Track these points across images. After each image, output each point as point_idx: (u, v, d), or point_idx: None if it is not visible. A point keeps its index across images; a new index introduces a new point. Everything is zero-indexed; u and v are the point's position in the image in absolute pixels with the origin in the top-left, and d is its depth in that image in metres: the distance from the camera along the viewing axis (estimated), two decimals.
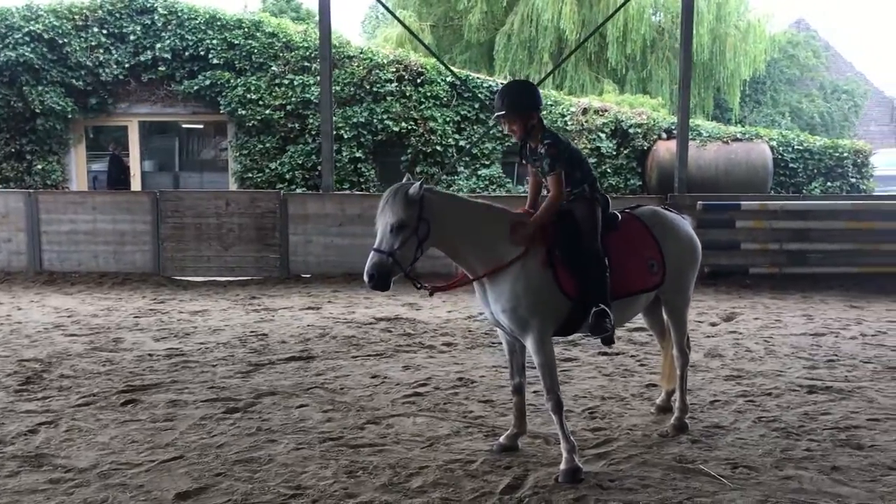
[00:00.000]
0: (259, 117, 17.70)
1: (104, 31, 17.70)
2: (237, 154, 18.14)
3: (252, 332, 8.76)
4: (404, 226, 4.47)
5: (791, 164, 18.43)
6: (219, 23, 17.84)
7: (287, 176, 17.73)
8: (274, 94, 17.73)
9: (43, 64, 17.40)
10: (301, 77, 17.78)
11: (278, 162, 17.83)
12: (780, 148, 18.36)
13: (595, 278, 4.75)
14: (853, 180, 18.60)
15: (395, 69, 17.98)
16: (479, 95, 17.44)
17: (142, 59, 17.78)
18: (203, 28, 17.78)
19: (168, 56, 17.73)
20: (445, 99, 18.01)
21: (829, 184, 18.46)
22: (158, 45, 17.67)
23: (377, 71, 17.88)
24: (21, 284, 11.93)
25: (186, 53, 17.78)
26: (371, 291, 5.04)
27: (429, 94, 17.94)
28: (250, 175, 17.89)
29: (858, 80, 35.27)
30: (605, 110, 18.31)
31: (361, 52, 18.32)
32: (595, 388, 6.49)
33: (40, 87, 17.39)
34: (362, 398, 6.22)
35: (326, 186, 12.97)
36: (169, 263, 12.59)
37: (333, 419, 5.68)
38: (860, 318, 9.64)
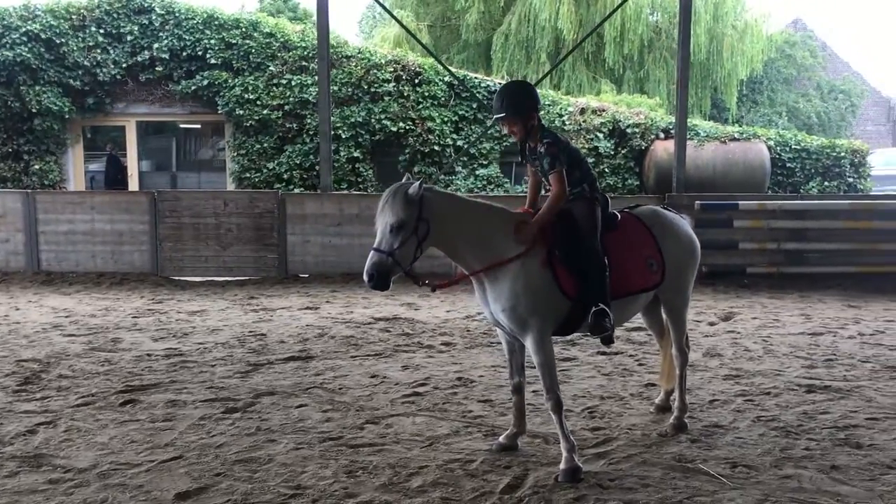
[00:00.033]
0: (257, 117, 17.71)
1: (101, 31, 17.69)
2: (235, 154, 18.14)
3: (250, 332, 8.76)
4: (404, 225, 4.47)
5: (788, 164, 18.46)
6: (216, 23, 17.85)
7: (285, 176, 17.73)
8: (272, 93, 17.74)
9: (40, 64, 17.39)
10: (299, 77, 17.78)
11: (276, 162, 17.83)
12: (778, 148, 18.39)
13: (595, 278, 4.75)
14: (850, 180, 18.62)
15: (392, 69, 17.99)
16: (477, 95, 17.44)
17: (139, 59, 17.78)
18: (201, 28, 17.78)
19: (166, 56, 17.73)
20: (443, 99, 18.03)
21: (826, 183, 18.49)
22: (156, 45, 17.68)
23: (375, 71, 17.89)
24: (19, 284, 11.91)
25: (184, 53, 17.78)
26: (370, 291, 5.03)
27: (427, 94, 17.95)
28: (248, 175, 17.89)
29: (855, 80, 35.37)
30: (603, 110, 18.33)
31: (359, 52, 18.33)
32: (594, 388, 6.50)
33: (37, 87, 17.38)
34: (361, 398, 6.21)
35: (325, 186, 12.98)
36: (167, 263, 12.58)
37: (333, 419, 5.68)
38: (858, 318, 9.66)
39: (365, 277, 4.49)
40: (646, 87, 26.36)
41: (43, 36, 17.36)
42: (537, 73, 24.61)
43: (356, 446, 5.11)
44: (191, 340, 8.32)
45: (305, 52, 17.82)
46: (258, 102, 17.71)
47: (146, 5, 17.76)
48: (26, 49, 17.21)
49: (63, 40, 17.47)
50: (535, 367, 4.79)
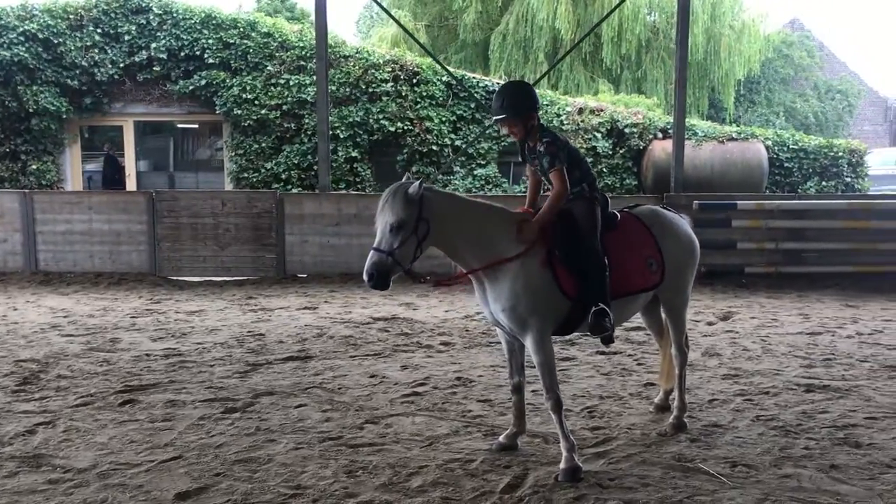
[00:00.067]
0: (255, 117, 17.70)
1: (99, 31, 17.66)
2: (233, 154, 18.13)
3: (249, 332, 8.75)
4: (404, 225, 4.47)
5: (786, 164, 18.48)
6: (214, 22, 17.83)
7: (283, 176, 17.72)
8: (270, 93, 17.72)
9: (38, 64, 17.36)
10: (297, 77, 17.77)
11: (274, 162, 17.82)
12: (776, 147, 18.41)
13: (594, 277, 4.76)
14: (848, 180, 18.65)
15: (390, 69, 17.98)
16: (475, 95, 17.44)
17: (137, 58, 17.76)
18: (198, 28, 17.76)
19: (163, 56, 17.71)
20: (441, 99, 18.03)
21: (824, 183, 18.51)
22: (154, 45, 17.65)
23: (373, 71, 17.88)
24: (17, 285, 11.90)
25: (182, 53, 17.76)
26: (370, 290, 5.03)
27: (425, 93, 17.95)
28: (246, 175, 17.88)
29: (852, 80, 35.43)
30: (601, 110, 18.33)
31: (357, 52, 18.33)
32: (593, 388, 6.50)
33: (35, 87, 17.35)
34: (361, 398, 6.21)
35: (323, 186, 12.97)
36: (165, 263, 12.57)
37: (332, 419, 5.68)
38: (856, 317, 9.67)
39: (365, 277, 4.48)
40: (643, 87, 26.39)
41: (40, 36, 17.33)
42: (535, 73, 24.62)
43: (356, 446, 5.11)
44: (189, 340, 8.32)
45: (303, 52, 17.80)
46: (256, 102, 17.70)
47: (144, 5, 17.74)
48: (24, 49, 17.18)
49: (60, 40, 17.45)
50: (534, 367, 4.80)
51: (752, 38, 27.50)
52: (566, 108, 18.20)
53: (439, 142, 17.81)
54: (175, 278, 12.45)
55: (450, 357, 7.61)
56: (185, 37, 17.71)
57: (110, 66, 17.68)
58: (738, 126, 21.46)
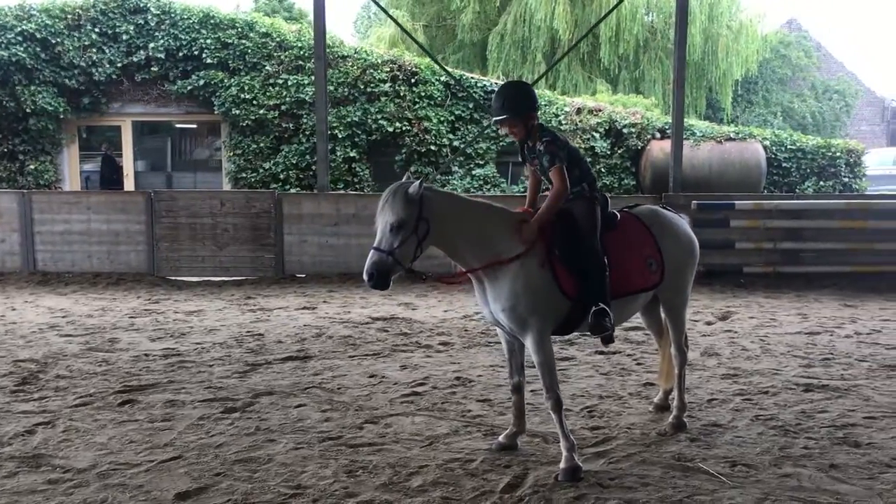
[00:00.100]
0: (253, 117, 17.68)
1: (97, 31, 17.63)
2: (231, 154, 18.11)
3: (248, 332, 8.75)
4: (404, 224, 4.47)
5: (784, 164, 18.50)
6: (212, 22, 17.82)
7: (281, 176, 17.71)
8: (268, 93, 17.71)
9: (35, 63, 17.33)
10: (295, 77, 17.76)
11: (272, 162, 17.81)
12: (774, 147, 18.43)
13: (594, 277, 4.76)
14: (846, 180, 18.68)
15: (389, 69, 17.98)
16: (474, 95, 17.44)
17: (135, 58, 17.73)
18: (196, 28, 17.74)
19: (161, 56, 17.69)
20: (440, 99, 18.02)
21: (821, 183, 18.53)
22: (152, 45, 17.63)
23: (371, 71, 17.88)
24: (14, 285, 11.88)
25: (180, 53, 17.74)
26: (370, 290, 5.03)
27: (423, 93, 17.94)
28: (244, 175, 17.87)
29: (850, 80, 35.47)
30: (599, 110, 18.34)
31: (355, 52, 18.32)
32: (593, 387, 6.51)
33: (33, 87, 17.32)
34: (360, 398, 6.21)
35: (321, 186, 12.97)
36: (163, 263, 12.56)
37: (332, 419, 5.68)
38: (854, 317, 9.68)
39: (365, 276, 4.48)
40: (641, 87, 26.41)
41: (38, 35, 17.30)
42: (533, 73, 24.63)
43: (356, 446, 5.11)
44: (188, 340, 8.31)
45: (301, 52, 17.80)
46: (254, 102, 17.68)
47: (142, 5, 17.72)
48: (21, 49, 17.15)
49: (58, 40, 17.42)
50: (534, 367, 4.80)
51: (750, 39, 27.53)
52: (564, 108, 18.21)
53: (438, 142, 17.81)
54: (173, 278, 12.44)
55: (449, 357, 7.61)
56: (183, 37, 17.69)
57: (108, 65, 17.66)
58: (735, 126, 21.48)
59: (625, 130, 18.02)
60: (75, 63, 17.51)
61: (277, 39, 17.98)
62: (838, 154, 18.70)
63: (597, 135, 17.99)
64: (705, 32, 26.22)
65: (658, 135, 17.95)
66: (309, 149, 17.35)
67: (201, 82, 17.73)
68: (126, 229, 12.57)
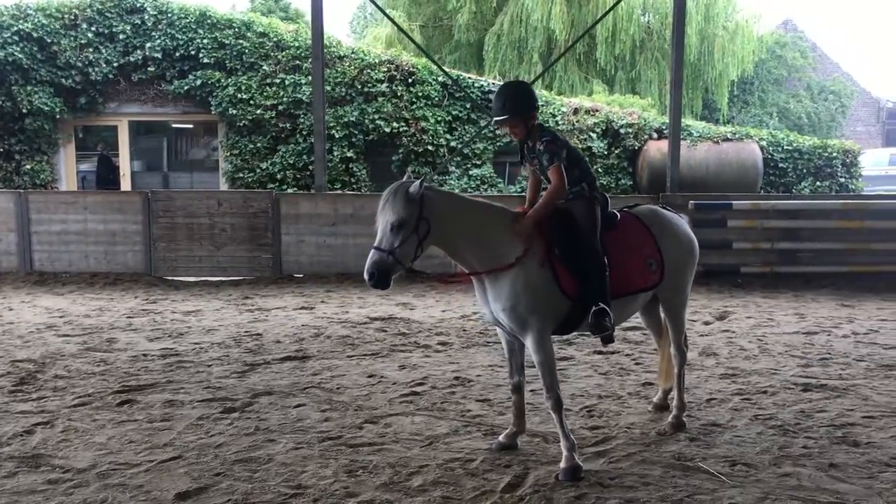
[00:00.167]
0: (250, 117, 17.65)
1: (93, 31, 17.58)
2: (228, 154, 18.08)
3: (246, 332, 8.74)
4: (404, 224, 4.47)
5: (781, 164, 18.53)
6: (209, 22, 17.78)
7: (278, 176, 17.68)
8: (265, 93, 17.68)
9: (32, 63, 17.28)
10: (292, 77, 17.74)
11: (269, 162, 17.78)
12: (770, 148, 18.47)
13: (595, 277, 4.77)
14: (842, 180, 18.72)
15: (386, 69, 17.96)
16: (471, 95, 17.43)
17: (132, 58, 17.68)
18: (193, 27, 17.70)
19: (158, 55, 17.65)
20: (437, 99, 18.01)
21: (818, 183, 18.57)
22: (148, 45, 17.59)
23: (368, 71, 17.86)
24: (11, 285, 11.85)
25: (177, 53, 17.70)
26: (370, 290, 5.03)
27: (420, 94, 17.93)
28: (241, 175, 17.84)
29: (845, 81, 35.53)
30: (597, 110, 18.35)
31: (353, 52, 18.30)
32: (592, 387, 6.51)
33: (29, 87, 17.26)
34: (359, 397, 6.21)
35: (319, 186, 12.96)
36: (161, 263, 12.54)
37: (331, 419, 5.67)
38: (852, 317, 9.71)
39: (365, 276, 4.48)
40: (637, 88, 26.41)
41: (35, 35, 17.25)
42: (530, 74, 24.64)
43: (356, 446, 5.11)
44: (186, 340, 8.30)
45: (299, 52, 17.78)
46: (251, 102, 17.65)
47: (138, 4, 17.67)
48: (18, 49, 17.10)
49: (55, 40, 17.37)
50: (534, 367, 4.80)
51: (746, 39, 27.57)
52: (561, 108, 18.21)
53: (435, 142, 17.79)
54: (171, 278, 12.43)
55: (448, 357, 7.61)
56: (180, 36, 17.65)
57: (105, 65, 17.61)
58: (732, 126, 21.50)
59: (622, 131, 18.04)
60: (72, 63, 17.46)
61: (274, 39, 17.96)
62: (835, 154, 18.74)
63: (594, 135, 17.99)
64: (701, 33, 26.23)
65: (655, 135, 17.97)
66: (306, 149, 17.33)
67: (198, 82, 17.70)
68: (123, 229, 12.55)
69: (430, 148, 17.77)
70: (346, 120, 17.58)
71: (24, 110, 17.25)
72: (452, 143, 17.84)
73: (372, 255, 4.48)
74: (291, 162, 17.70)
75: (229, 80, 17.67)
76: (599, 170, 17.81)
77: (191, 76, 17.72)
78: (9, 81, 17.20)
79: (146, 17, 17.64)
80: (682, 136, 15.00)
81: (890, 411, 5.85)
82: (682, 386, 5.51)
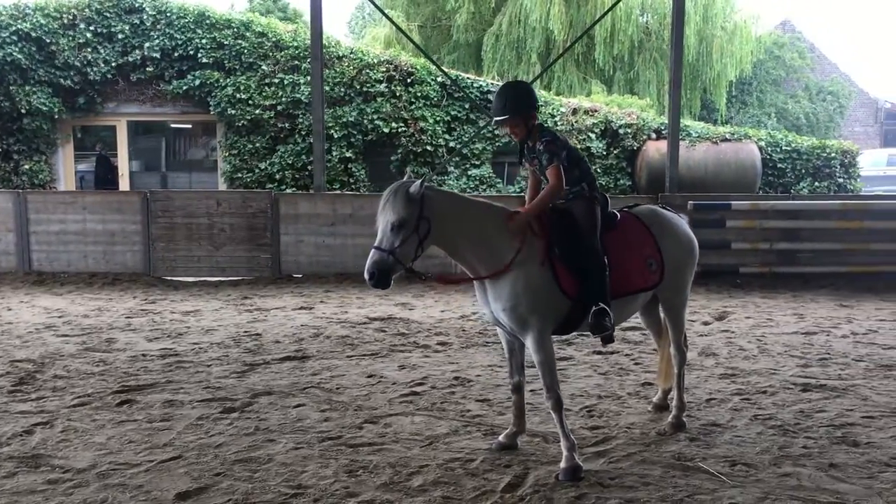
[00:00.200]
0: (249, 117, 17.63)
1: (92, 30, 17.55)
2: (227, 154, 18.06)
3: (245, 332, 8.73)
4: (405, 224, 4.47)
5: (779, 165, 18.54)
6: (208, 22, 17.76)
7: (277, 176, 17.67)
8: (264, 93, 17.66)
9: (30, 63, 17.26)
10: (291, 77, 17.73)
11: (268, 162, 17.76)
12: (769, 148, 18.48)
13: (595, 277, 4.77)
14: (841, 180, 18.73)
15: (385, 69, 17.95)
16: (470, 96, 17.43)
17: (130, 58, 17.65)
18: (192, 27, 17.68)
19: (157, 55, 17.62)
20: (436, 99, 18.00)
21: (816, 184, 18.58)
22: (147, 45, 17.56)
23: (367, 71, 17.85)
24: (10, 285, 11.84)
25: (175, 53, 17.67)
26: (370, 289, 5.02)
27: (419, 94, 17.92)
28: (240, 175, 17.82)
29: (843, 81, 35.56)
30: (595, 110, 18.35)
31: (351, 52, 18.28)
32: (591, 387, 6.51)
33: (27, 87, 17.24)
34: (359, 397, 6.21)
35: (318, 186, 12.96)
36: (159, 264, 12.53)
37: (331, 419, 5.67)
38: (850, 317, 9.72)
39: (366, 276, 4.48)
40: (636, 88, 26.42)
41: (33, 35, 17.22)
42: (528, 74, 24.63)
43: (356, 446, 5.11)
44: (185, 340, 8.29)
45: (297, 52, 17.76)
46: (250, 102, 17.63)
47: (137, 4, 17.65)
48: (16, 48, 17.08)
49: (53, 39, 17.34)
50: (534, 367, 4.80)
51: (744, 40, 27.59)
52: (560, 108, 18.21)
53: (434, 142, 17.78)
54: (169, 278, 12.42)
55: (447, 357, 7.61)
56: (178, 36, 17.63)
57: (103, 65, 17.59)
58: (730, 127, 21.51)
59: (621, 131, 18.04)
60: (70, 63, 17.44)
61: (273, 39, 17.94)
62: (833, 155, 18.76)
63: (593, 135, 17.98)
64: (700, 33, 26.25)
65: (654, 135, 17.96)
66: (305, 149, 17.32)
67: (197, 82, 17.68)
68: (122, 229, 12.54)
69: (428, 148, 17.77)
70: (344, 120, 17.57)
71: (23, 110, 17.22)
72: (451, 144, 17.83)
73: (372, 255, 4.48)
74: (290, 162, 17.69)
75: (228, 80, 17.65)
76: (598, 170, 17.80)
77: (189, 76, 17.70)
78: (7, 81, 17.17)
79: (145, 16, 17.62)
80: (680, 137, 15.01)
81: (889, 411, 5.85)
82: (681, 386, 5.51)
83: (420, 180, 4.55)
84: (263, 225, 12.49)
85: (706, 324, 9.29)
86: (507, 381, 5.52)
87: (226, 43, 17.67)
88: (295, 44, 17.87)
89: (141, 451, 4.99)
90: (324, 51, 14.52)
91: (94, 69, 17.54)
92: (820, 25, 66.08)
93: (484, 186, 17.64)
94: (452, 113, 18.01)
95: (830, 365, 7.29)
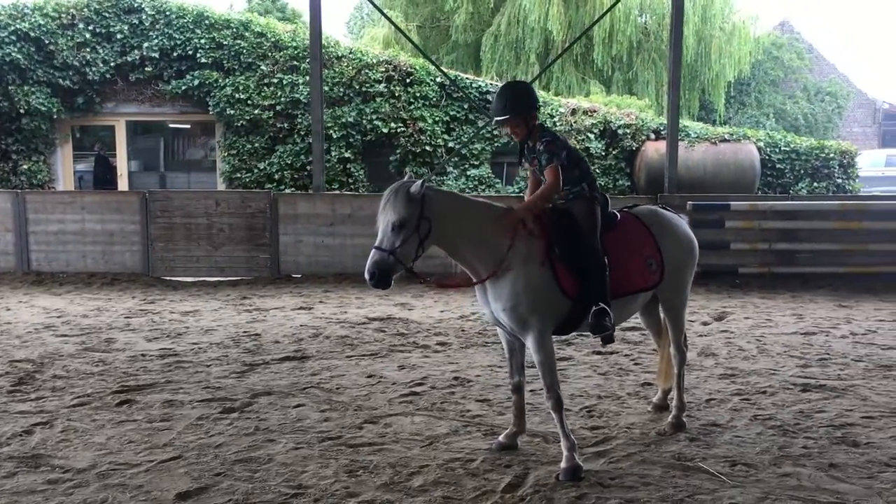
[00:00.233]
0: (248, 117, 17.63)
1: (91, 30, 17.55)
2: (225, 154, 18.06)
3: (245, 332, 8.73)
4: (405, 224, 4.47)
5: (778, 165, 18.55)
6: (207, 22, 17.75)
7: (276, 176, 17.66)
8: (263, 93, 17.66)
9: (29, 63, 17.24)
10: (290, 77, 17.72)
11: (267, 162, 17.76)
12: (768, 149, 18.48)
13: (595, 277, 4.77)
14: (839, 181, 18.74)
15: (384, 69, 17.95)
16: (469, 96, 17.43)
17: (129, 58, 17.64)
18: (191, 27, 17.68)
19: (156, 55, 17.61)
20: (435, 99, 18.00)
21: (815, 184, 18.60)
22: (146, 45, 17.56)
23: (366, 71, 17.85)
24: (9, 285, 11.83)
25: (174, 53, 17.66)
26: (370, 289, 5.02)
27: (418, 94, 17.92)
28: (239, 175, 17.82)
29: (841, 82, 35.57)
30: (594, 111, 18.35)
31: (350, 53, 18.28)
32: (591, 387, 6.52)
33: (26, 87, 17.23)
34: (359, 398, 6.21)
35: (317, 186, 12.95)
36: (158, 264, 12.53)
37: (331, 419, 5.67)
38: (849, 318, 9.72)
39: (366, 276, 4.47)
40: (634, 89, 26.42)
41: (32, 35, 17.21)
42: (527, 74, 24.63)
43: (356, 446, 5.11)
44: (185, 341, 8.29)
45: (296, 52, 17.76)
46: (249, 102, 17.63)
47: (136, 4, 17.63)
48: (15, 48, 17.06)
49: (52, 39, 17.33)
50: (534, 367, 4.80)
51: (743, 40, 27.59)
52: (559, 109, 18.21)
53: (433, 142, 17.78)
54: (168, 278, 12.41)
55: (447, 357, 7.61)
56: (177, 36, 17.62)
57: (102, 65, 17.58)
58: (729, 127, 21.53)
59: (619, 131, 18.04)
60: (69, 63, 17.43)
61: (272, 39, 17.94)
62: (832, 155, 18.77)
63: (591, 136, 17.98)
64: (698, 34, 26.26)
65: (652, 136, 17.97)
66: (304, 149, 17.32)
67: (196, 82, 17.67)
68: (121, 229, 12.53)
69: (427, 148, 17.76)
70: (343, 120, 17.56)
71: (22, 110, 17.21)
72: (450, 144, 17.83)
73: (373, 255, 4.48)
74: (289, 162, 17.69)
75: (227, 80, 17.65)
76: (597, 170, 17.79)
77: (188, 76, 17.69)
78: (6, 81, 17.16)
79: (143, 16, 17.61)
80: (679, 137, 15.01)
81: (889, 411, 5.86)
82: (681, 386, 5.51)
83: (421, 180, 4.55)
84: (262, 225, 12.48)
85: (705, 324, 9.30)
86: (506, 381, 5.52)
87: (225, 43, 17.67)
88: (294, 44, 17.87)
89: (141, 451, 4.99)
90: (323, 51, 14.52)
91: (93, 69, 17.53)
92: (818, 26, 66.16)
93: (483, 187, 17.64)
94: (451, 113, 18.01)
95: (830, 365, 7.30)
